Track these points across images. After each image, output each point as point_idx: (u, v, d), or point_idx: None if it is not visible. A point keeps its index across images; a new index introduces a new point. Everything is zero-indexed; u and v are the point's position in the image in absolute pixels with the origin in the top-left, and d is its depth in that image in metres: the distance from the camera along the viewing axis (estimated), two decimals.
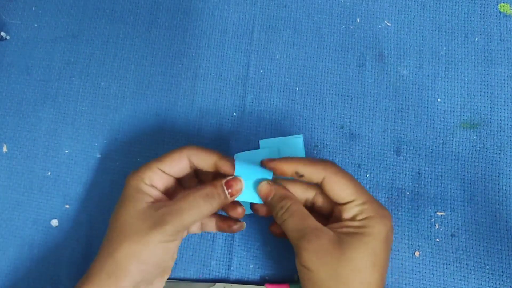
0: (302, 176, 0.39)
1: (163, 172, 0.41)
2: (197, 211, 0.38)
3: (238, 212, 0.42)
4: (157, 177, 0.40)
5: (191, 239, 0.47)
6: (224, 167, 0.40)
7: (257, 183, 0.40)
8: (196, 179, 0.45)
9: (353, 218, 0.38)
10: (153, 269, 0.38)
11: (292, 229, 0.38)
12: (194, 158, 0.41)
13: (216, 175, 0.42)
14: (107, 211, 0.48)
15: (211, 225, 0.44)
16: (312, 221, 0.38)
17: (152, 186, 0.40)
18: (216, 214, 0.44)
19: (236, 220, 0.44)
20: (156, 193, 0.40)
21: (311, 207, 0.42)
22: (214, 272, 0.46)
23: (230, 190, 0.39)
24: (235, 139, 0.49)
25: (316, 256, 0.36)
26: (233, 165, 0.40)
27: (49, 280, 0.47)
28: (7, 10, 0.54)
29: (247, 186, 0.40)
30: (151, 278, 0.38)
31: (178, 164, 0.41)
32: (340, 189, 0.38)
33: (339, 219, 0.39)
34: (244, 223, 0.44)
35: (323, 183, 0.39)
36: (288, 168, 0.39)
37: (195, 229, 0.44)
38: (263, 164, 0.41)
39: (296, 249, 0.37)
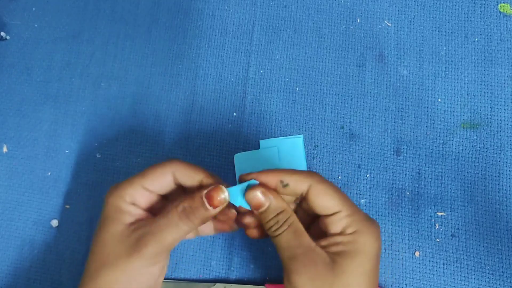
0: (286, 185, 0.36)
1: (146, 189, 0.38)
2: (176, 230, 0.35)
3: (228, 215, 0.39)
4: (139, 194, 0.37)
5: (191, 239, 0.47)
6: (209, 182, 0.37)
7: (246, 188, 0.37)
8: (183, 194, 0.40)
9: (342, 233, 0.35)
10: None
11: (285, 247, 0.35)
12: (179, 175, 0.38)
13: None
14: None
15: (209, 229, 0.41)
16: (306, 240, 0.35)
17: (134, 204, 0.37)
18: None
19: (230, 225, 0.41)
20: (137, 212, 0.37)
21: None
22: (214, 272, 0.46)
23: (212, 202, 0.35)
24: (235, 139, 0.49)
25: (309, 281, 0.34)
26: (220, 183, 0.37)
27: (49, 280, 0.47)
28: (8, 11, 0.55)
29: (235, 193, 0.37)
30: None
31: (162, 180, 0.38)
32: (326, 199, 0.36)
33: (324, 233, 0.37)
34: (235, 226, 0.41)
35: (308, 192, 0.36)
36: (272, 178, 0.36)
37: (189, 235, 0.41)
38: (241, 179, 0.38)
39: (286, 267, 0.35)
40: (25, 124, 0.51)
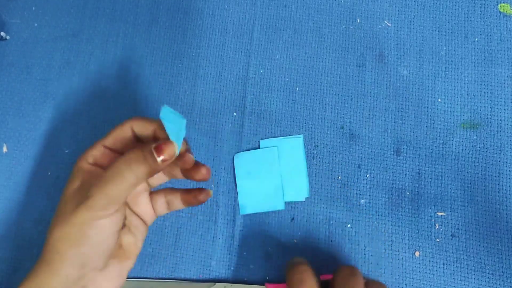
0: None
1: (108, 148, 0.38)
2: (121, 180, 0.34)
3: (202, 173, 0.38)
4: (100, 154, 0.38)
5: (191, 239, 0.47)
6: (162, 134, 0.37)
7: None
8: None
9: None
10: (93, 251, 0.35)
11: None
12: (136, 126, 0.38)
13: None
14: None
15: (177, 202, 0.41)
16: None
17: (96, 164, 0.37)
18: (179, 189, 0.41)
19: (201, 189, 0.40)
20: (98, 171, 0.37)
21: None
22: (214, 272, 0.46)
23: (162, 157, 0.34)
24: (235, 139, 0.49)
25: None
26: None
27: None
28: (7, 10, 0.54)
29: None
30: (96, 261, 0.35)
31: (121, 136, 0.38)
32: None
33: None
34: (211, 191, 0.41)
35: None
36: None
37: (162, 209, 0.41)
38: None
39: None
40: (25, 123, 0.51)
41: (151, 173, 0.35)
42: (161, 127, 0.36)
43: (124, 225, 0.39)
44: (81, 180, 0.36)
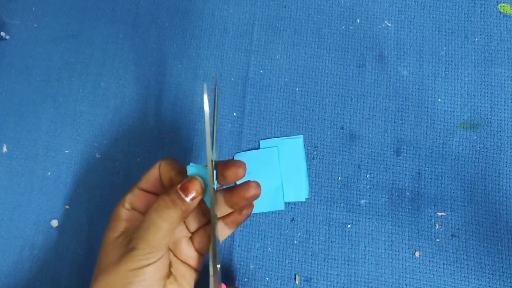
0: None
1: (141, 189, 0.38)
2: (156, 228, 0.34)
3: (250, 193, 0.38)
4: (136, 198, 0.38)
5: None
6: (180, 178, 0.37)
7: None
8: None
9: None
10: None
11: None
12: (162, 170, 0.38)
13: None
14: (107, 212, 0.48)
15: (221, 228, 0.39)
16: None
17: (133, 209, 0.38)
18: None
19: (241, 209, 0.39)
20: (135, 216, 0.37)
21: None
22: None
23: (190, 195, 0.35)
24: (235, 139, 0.49)
25: None
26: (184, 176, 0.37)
27: (49, 281, 0.47)
28: (7, 10, 0.54)
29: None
30: None
31: (153, 177, 0.38)
32: None
33: None
34: (252, 205, 0.40)
35: None
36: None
37: (204, 246, 0.39)
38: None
39: None
40: (25, 124, 0.51)
41: (183, 215, 0.35)
42: (181, 171, 0.37)
43: (170, 273, 0.38)
44: (119, 230, 0.37)
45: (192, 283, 0.39)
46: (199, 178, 0.36)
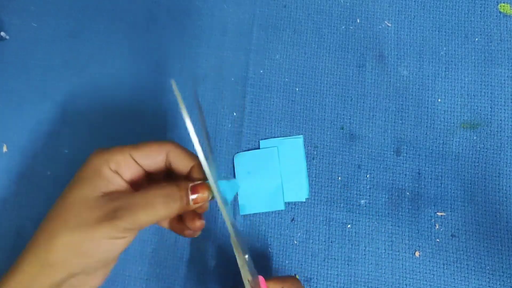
0: None
1: (135, 160, 0.36)
2: (153, 212, 0.33)
3: (196, 225, 0.37)
4: (125, 164, 0.35)
5: (191, 239, 0.47)
6: (198, 175, 0.36)
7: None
8: (166, 178, 0.39)
9: None
10: (96, 263, 0.34)
11: None
12: (172, 156, 0.37)
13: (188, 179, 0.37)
14: None
15: (164, 222, 0.40)
16: None
17: (117, 173, 0.35)
18: None
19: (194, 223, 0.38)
20: (118, 182, 0.35)
21: None
22: (214, 272, 0.46)
23: (195, 197, 0.35)
24: (235, 139, 0.49)
25: None
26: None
27: None
28: (7, 10, 0.54)
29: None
30: (91, 271, 0.34)
31: (155, 157, 0.36)
32: None
33: None
34: (199, 232, 0.39)
35: None
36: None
37: (163, 223, 0.40)
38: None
39: None
40: (25, 123, 0.51)
41: (181, 212, 0.35)
42: (199, 167, 0.36)
43: None
44: (100, 189, 0.34)
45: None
46: (209, 187, 0.35)
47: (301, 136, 0.48)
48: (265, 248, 0.46)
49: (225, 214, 0.35)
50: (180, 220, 0.39)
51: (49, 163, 0.50)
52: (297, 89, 0.50)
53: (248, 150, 0.48)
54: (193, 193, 0.35)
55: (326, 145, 0.48)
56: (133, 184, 0.37)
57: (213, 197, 0.35)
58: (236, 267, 0.45)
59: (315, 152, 0.48)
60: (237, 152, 0.48)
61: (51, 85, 0.52)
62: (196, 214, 0.37)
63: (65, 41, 0.53)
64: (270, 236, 0.46)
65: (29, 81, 0.52)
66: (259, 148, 0.48)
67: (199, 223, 0.37)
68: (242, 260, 0.36)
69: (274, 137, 0.49)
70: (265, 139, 0.49)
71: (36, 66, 0.53)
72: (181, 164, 0.37)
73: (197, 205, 0.35)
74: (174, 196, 0.34)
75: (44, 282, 0.33)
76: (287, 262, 0.46)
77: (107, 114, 0.51)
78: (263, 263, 0.46)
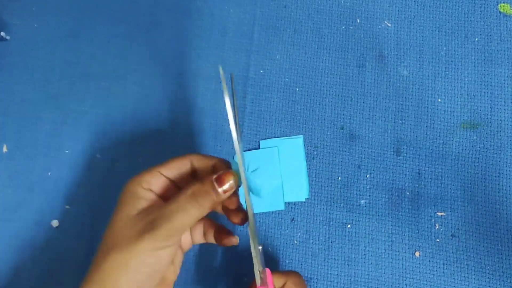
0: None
1: (162, 175, 0.38)
2: (187, 214, 0.35)
3: (239, 217, 0.38)
4: (155, 180, 0.38)
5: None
6: (222, 167, 0.38)
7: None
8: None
9: None
10: (146, 278, 0.35)
11: None
12: (196, 162, 0.38)
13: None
14: (108, 212, 0.48)
15: (211, 236, 0.41)
16: None
17: (150, 190, 0.37)
18: (215, 224, 0.41)
19: (229, 234, 0.40)
20: (151, 197, 0.37)
21: None
22: (214, 272, 0.46)
23: (223, 187, 0.35)
24: None
25: None
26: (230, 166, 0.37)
27: (50, 281, 0.47)
28: (8, 11, 0.54)
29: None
30: (141, 283, 0.35)
31: (178, 166, 0.38)
32: None
33: None
34: (237, 239, 0.40)
35: None
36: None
37: (198, 239, 0.41)
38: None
39: None
40: (25, 124, 0.51)
41: (214, 206, 0.36)
42: (221, 162, 0.38)
43: None
44: (137, 208, 0.36)
45: (181, 263, 0.40)
46: (235, 173, 0.36)
47: (301, 136, 0.48)
48: (265, 248, 0.46)
49: (248, 202, 0.36)
50: (219, 231, 0.40)
51: (49, 163, 0.50)
52: (297, 89, 0.50)
53: (248, 150, 0.49)
54: (219, 184, 0.35)
55: (326, 145, 0.48)
56: (164, 196, 0.38)
57: (239, 185, 0.36)
58: (235, 267, 0.45)
59: (315, 152, 0.48)
60: None
61: (52, 85, 0.52)
62: (235, 209, 0.39)
63: (65, 41, 0.53)
64: (270, 236, 0.46)
65: (30, 81, 0.52)
66: (259, 148, 0.48)
67: (241, 214, 0.38)
68: (256, 251, 0.37)
69: (274, 137, 0.49)
70: (265, 139, 0.49)
71: (36, 66, 0.53)
72: (204, 166, 0.38)
73: (227, 194, 0.36)
74: (200, 192, 0.35)
75: None
76: (287, 262, 0.46)
77: (108, 114, 0.51)
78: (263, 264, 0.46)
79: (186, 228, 0.36)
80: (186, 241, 0.41)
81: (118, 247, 0.34)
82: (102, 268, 0.34)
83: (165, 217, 0.34)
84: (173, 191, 0.39)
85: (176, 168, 0.38)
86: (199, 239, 0.41)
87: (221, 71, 0.33)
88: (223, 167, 0.38)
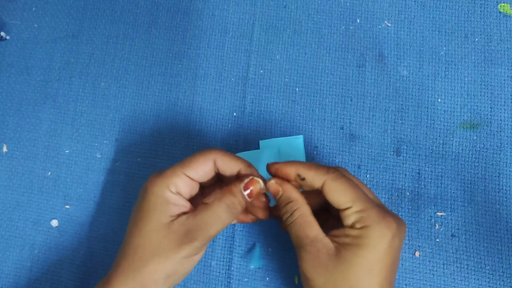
0: (303, 179, 0.38)
1: (188, 177, 0.39)
2: (221, 223, 0.37)
3: (262, 201, 0.41)
4: (183, 184, 0.38)
5: None
6: (247, 173, 0.40)
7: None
8: (216, 184, 0.43)
9: (352, 226, 0.36)
10: (179, 278, 0.38)
11: (294, 236, 0.38)
12: (219, 163, 0.39)
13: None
14: (108, 212, 0.48)
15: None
16: (314, 231, 0.37)
17: (179, 194, 0.38)
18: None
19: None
20: (182, 203, 0.38)
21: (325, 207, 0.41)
22: (214, 272, 0.46)
23: (248, 191, 0.39)
24: (235, 139, 0.49)
25: (313, 267, 0.36)
26: (257, 175, 0.40)
27: (49, 280, 0.47)
28: (7, 11, 0.54)
29: None
30: (173, 284, 0.39)
31: (204, 168, 0.39)
32: (338, 195, 0.37)
33: (340, 224, 0.38)
34: (268, 211, 0.42)
35: (322, 188, 0.37)
36: (291, 170, 0.38)
37: None
38: (267, 167, 0.40)
39: (297, 254, 0.38)
40: (25, 124, 0.51)
41: (241, 212, 0.39)
42: (246, 166, 0.39)
43: None
44: (169, 214, 0.37)
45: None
46: (260, 181, 0.39)
47: (301, 136, 0.48)
48: (266, 248, 0.46)
49: None
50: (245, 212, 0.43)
51: (49, 163, 0.50)
52: (297, 89, 0.50)
53: (248, 150, 0.48)
54: (249, 194, 0.39)
55: (326, 145, 0.48)
56: (192, 199, 0.40)
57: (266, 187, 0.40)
58: (234, 267, 0.45)
59: (315, 153, 0.48)
60: (237, 152, 0.48)
61: (51, 85, 0.52)
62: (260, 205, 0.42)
63: (65, 42, 0.53)
64: (270, 236, 0.46)
65: (30, 81, 0.52)
66: (259, 148, 0.48)
67: (267, 211, 0.42)
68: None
69: (274, 137, 0.49)
70: (265, 139, 0.49)
71: (36, 66, 0.53)
72: (228, 169, 0.40)
73: (251, 199, 0.39)
74: (233, 203, 0.38)
75: None
76: (287, 262, 0.46)
77: (107, 114, 0.51)
78: (263, 264, 0.46)
79: (217, 234, 0.39)
80: None
81: (158, 256, 0.36)
82: (143, 272, 0.37)
83: (203, 229, 0.37)
84: (198, 194, 0.41)
85: (201, 169, 0.39)
86: None
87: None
88: (249, 171, 0.39)
